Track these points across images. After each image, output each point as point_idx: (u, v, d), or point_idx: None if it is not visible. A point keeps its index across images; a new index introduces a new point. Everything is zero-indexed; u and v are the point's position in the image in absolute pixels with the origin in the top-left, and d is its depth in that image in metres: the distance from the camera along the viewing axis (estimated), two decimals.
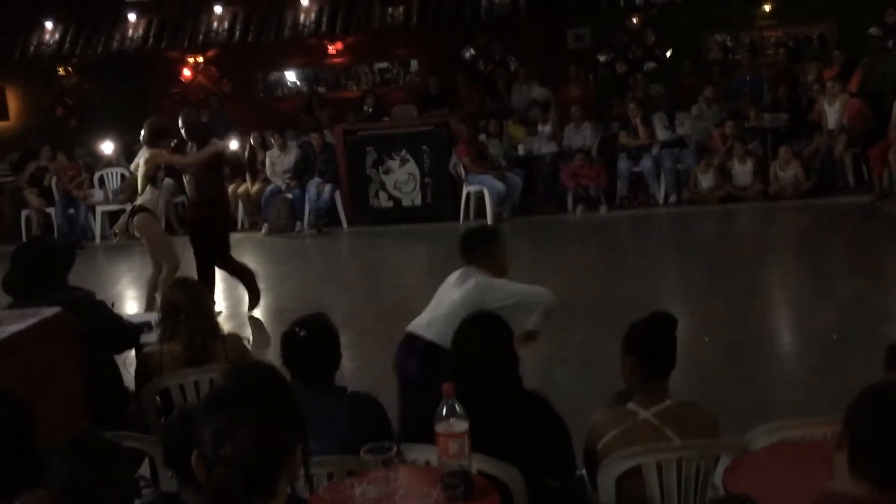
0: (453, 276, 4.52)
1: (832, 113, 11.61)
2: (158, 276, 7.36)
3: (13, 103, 15.33)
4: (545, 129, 12.54)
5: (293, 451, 1.99)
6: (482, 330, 3.36)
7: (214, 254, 7.53)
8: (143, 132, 7.30)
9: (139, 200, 7.29)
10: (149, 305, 7.31)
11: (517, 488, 2.97)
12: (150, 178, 7.24)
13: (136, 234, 7.50)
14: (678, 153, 11.87)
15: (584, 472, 3.39)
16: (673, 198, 11.80)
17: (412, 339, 4.38)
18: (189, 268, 7.40)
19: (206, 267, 7.48)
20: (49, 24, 14.36)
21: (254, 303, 7.76)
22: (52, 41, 14.45)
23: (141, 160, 7.27)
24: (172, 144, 7.52)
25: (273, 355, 3.69)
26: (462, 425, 2.70)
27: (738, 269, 8.61)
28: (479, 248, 4.50)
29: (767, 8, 13.52)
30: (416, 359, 4.29)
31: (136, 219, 7.31)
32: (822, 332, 6.59)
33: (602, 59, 14.18)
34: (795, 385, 5.50)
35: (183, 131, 7.54)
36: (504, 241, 4.66)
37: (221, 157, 7.61)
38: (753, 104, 12.40)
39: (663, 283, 8.58)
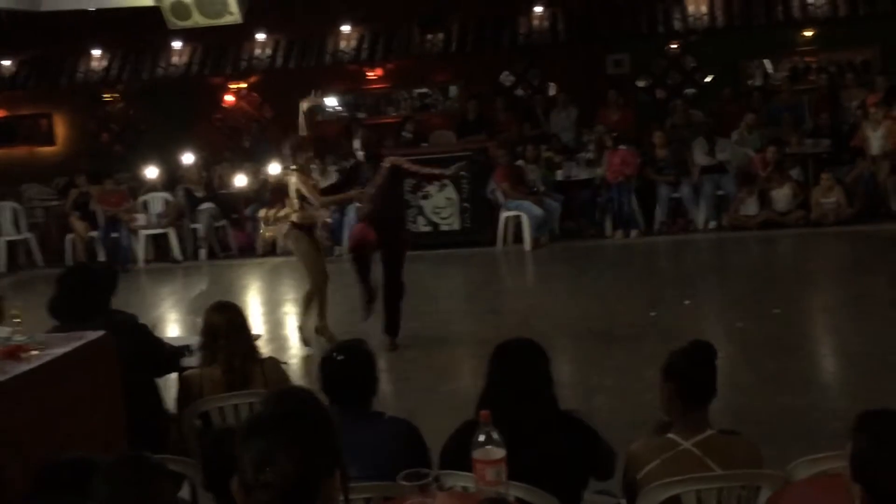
0: None
1: (876, 139, 11.48)
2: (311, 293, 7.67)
3: (60, 129, 15.66)
4: (586, 155, 12.58)
5: (332, 476, 2.00)
6: (518, 357, 3.34)
7: (390, 266, 7.52)
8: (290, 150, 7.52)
9: (295, 217, 7.50)
10: (302, 323, 7.77)
11: None
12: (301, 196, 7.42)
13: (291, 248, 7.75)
14: (718, 179, 11.80)
15: (622, 501, 3.36)
16: (713, 223, 11.72)
17: None
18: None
19: (396, 280, 7.53)
20: (96, 52, 14.66)
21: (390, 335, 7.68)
22: (98, 68, 14.74)
23: (293, 178, 7.40)
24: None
25: (311, 381, 3.71)
26: (499, 452, 2.69)
27: (779, 295, 8.51)
28: None
29: (808, 34, 13.43)
30: None
31: (292, 235, 7.55)
32: (865, 360, 6.48)
33: (641, 84, 14.16)
34: (838, 414, 5.40)
35: (361, 152, 7.58)
36: None
37: (400, 171, 7.57)
38: (795, 130, 12.30)
39: (703, 310, 8.50)
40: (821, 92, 13.23)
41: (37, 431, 3.11)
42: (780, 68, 14.05)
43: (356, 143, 7.58)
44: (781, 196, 11.45)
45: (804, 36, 13.51)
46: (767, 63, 14.11)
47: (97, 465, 2.37)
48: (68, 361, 3.38)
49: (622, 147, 12.07)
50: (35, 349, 3.37)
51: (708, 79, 13.87)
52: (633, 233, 11.77)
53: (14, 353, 3.30)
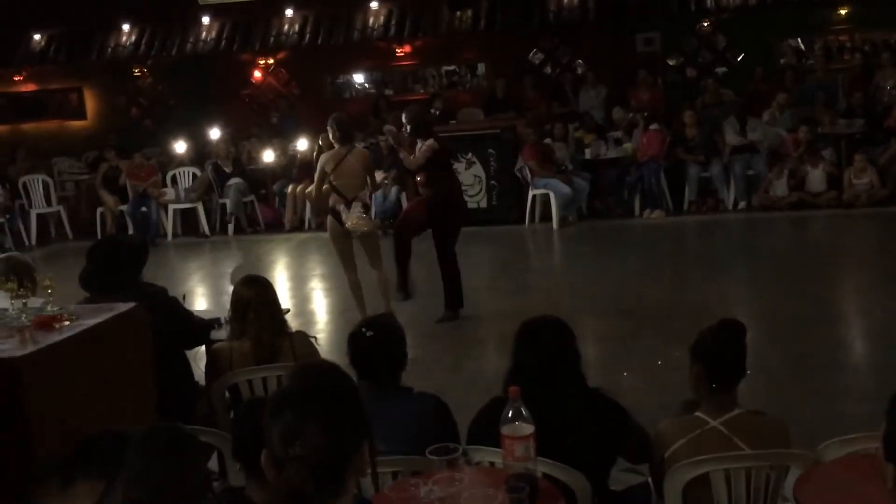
0: None
1: None
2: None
3: (90, 103, 15.76)
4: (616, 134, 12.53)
5: (361, 450, 2.01)
6: (544, 335, 3.32)
7: (439, 242, 7.49)
8: (333, 130, 7.09)
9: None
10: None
11: (582, 493, 2.95)
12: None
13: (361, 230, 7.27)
14: (749, 159, 11.68)
15: (649, 479, 3.35)
16: (743, 204, 11.61)
17: None
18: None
19: (449, 257, 7.49)
20: (125, 27, 14.72)
21: (449, 308, 7.62)
22: (128, 43, 14.81)
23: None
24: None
25: (339, 355, 3.72)
26: (527, 428, 2.69)
27: (809, 277, 8.43)
28: None
29: (843, 12, 13.23)
30: None
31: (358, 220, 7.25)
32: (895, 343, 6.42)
33: (672, 63, 14.03)
34: (868, 397, 5.36)
35: (408, 127, 7.43)
36: None
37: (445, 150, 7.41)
38: (828, 110, 12.14)
39: (731, 291, 8.44)
40: (855, 71, 13.04)
41: (69, 401, 3.14)
42: (814, 47, 13.86)
43: (403, 118, 7.50)
44: (814, 177, 11.32)
45: (839, 14, 13.30)
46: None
47: (130, 439, 2.40)
48: (100, 332, 3.41)
49: (653, 127, 11.97)
50: (67, 320, 3.40)
51: (739, 57, 13.70)
52: (661, 213, 11.68)
53: (47, 323, 3.34)
